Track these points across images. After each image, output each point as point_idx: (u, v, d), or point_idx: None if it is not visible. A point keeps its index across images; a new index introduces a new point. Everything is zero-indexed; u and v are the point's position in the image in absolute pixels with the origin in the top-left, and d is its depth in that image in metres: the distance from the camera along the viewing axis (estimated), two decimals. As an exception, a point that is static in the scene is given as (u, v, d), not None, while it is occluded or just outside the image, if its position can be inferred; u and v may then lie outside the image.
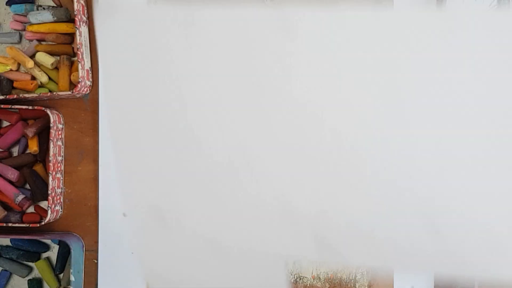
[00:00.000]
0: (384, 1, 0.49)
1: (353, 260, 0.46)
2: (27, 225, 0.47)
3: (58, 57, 0.49)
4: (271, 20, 0.45)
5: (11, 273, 0.50)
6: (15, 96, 0.47)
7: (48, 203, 0.47)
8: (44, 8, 0.50)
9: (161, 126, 0.48)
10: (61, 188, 0.50)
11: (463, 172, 0.44)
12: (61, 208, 0.50)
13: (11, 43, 0.51)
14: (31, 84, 0.49)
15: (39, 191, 0.49)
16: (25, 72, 0.50)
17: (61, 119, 0.50)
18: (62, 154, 0.50)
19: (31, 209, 0.50)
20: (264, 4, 0.50)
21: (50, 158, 0.47)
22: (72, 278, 0.48)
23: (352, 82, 0.45)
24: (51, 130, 0.47)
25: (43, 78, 0.49)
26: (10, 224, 0.47)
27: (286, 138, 0.46)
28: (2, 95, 0.49)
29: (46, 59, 0.49)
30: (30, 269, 0.50)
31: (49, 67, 0.49)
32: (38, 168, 0.50)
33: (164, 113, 0.48)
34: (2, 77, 0.50)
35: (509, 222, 0.43)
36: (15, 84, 0.50)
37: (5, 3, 0.50)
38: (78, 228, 0.50)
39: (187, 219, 0.48)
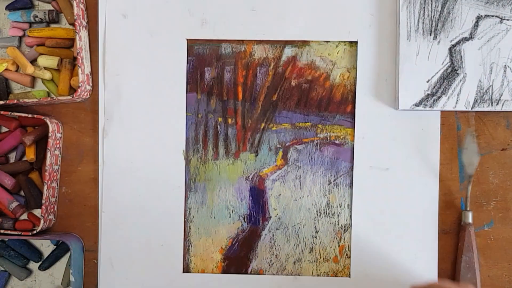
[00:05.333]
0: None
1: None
2: (19, 233, 0.47)
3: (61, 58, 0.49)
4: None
5: (10, 274, 0.50)
6: (15, 101, 0.47)
7: (42, 212, 0.47)
8: (41, 19, 0.50)
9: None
10: (56, 197, 0.50)
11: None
12: (54, 217, 0.50)
13: (11, 48, 0.51)
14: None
15: (34, 199, 0.49)
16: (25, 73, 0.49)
17: (60, 128, 0.50)
18: (58, 163, 0.50)
19: (24, 216, 0.50)
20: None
21: (47, 168, 0.47)
22: (72, 278, 0.48)
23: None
24: (49, 140, 0.47)
25: (46, 75, 0.49)
26: (2, 231, 0.47)
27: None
28: (-1, 96, 0.49)
29: (49, 63, 0.49)
30: (29, 272, 0.50)
31: (55, 67, 0.49)
32: (34, 176, 0.49)
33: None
34: (0, 77, 0.49)
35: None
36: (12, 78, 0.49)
37: (5, 7, 0.50)
38: (78, 228, 0.50)
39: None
